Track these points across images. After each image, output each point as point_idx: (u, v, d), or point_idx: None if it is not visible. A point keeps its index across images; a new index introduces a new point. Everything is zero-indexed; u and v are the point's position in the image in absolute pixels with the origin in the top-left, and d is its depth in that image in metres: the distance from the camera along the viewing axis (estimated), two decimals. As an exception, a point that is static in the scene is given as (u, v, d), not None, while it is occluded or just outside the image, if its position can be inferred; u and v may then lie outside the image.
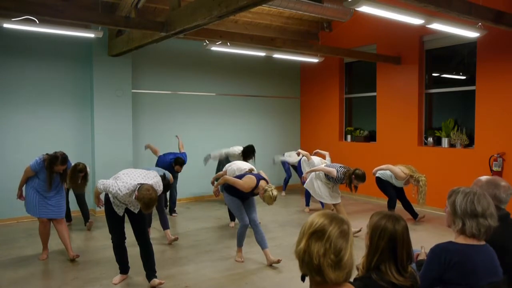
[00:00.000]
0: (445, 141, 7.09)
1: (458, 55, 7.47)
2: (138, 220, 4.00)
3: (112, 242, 4.10)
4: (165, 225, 5.46)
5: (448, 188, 2.27)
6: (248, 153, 7.03)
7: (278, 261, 4.49)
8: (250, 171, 5.12)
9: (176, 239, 5.42)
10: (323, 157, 7.12)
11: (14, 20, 4.82)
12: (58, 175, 4.69)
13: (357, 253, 1.58)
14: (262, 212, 6.40)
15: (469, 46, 6.89)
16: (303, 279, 1.55)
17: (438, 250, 2.07)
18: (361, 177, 5.41)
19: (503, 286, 2.10)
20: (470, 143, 6.82)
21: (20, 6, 4.35)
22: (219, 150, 7.47)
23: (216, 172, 7.41)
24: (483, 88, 6.51)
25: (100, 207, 4.12)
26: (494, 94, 6.35)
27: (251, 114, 9.10)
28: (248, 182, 4.55)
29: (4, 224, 6.36)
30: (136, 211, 3.95)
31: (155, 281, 3.94)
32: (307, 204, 7.29)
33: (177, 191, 7.12)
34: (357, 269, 1.94)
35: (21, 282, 4.12)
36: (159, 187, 3.86)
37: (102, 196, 4.07)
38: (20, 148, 6.52)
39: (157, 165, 6.43)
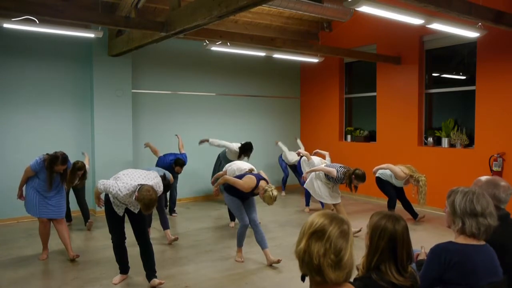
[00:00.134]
0: (445, 141, 7.09)
1: (458, 55, 7.47)
2: (138, 220, 4.00)
3: (112, 242, 4.10)
4: (165, 225, 5.46)
5: (448, 188, 2.27)
6: (245, 150, 7.05)
7: (278, 261, 4.49)
8: (250, 171, 5.12)
9: (176, 239, 5.42)
10: (323, 157, 7.12)
11: (14, 20, 4.82)
12: (58, 175, 4.68)
13: (357, 253, 1.57)
14: (262, 212, 6.40)
15: (469, 46, 6.89)
16: (303, 279, 1.55)
17: (438, 250, 2.07)
18: (361, 177, 5.41)
19: (503, 286, 2.10)
20: (470, 143, 6.82)
21: (20, 6, 4.35)
22: (218, 140, 7.41)
23: (214, 172, 7.43)
24: (483, 88, 6.51)
25: (101, 207, 4.12)
26: (494, 94, 6.35)
27: (251, 114, 9.10)
28: (248, 182, 4.55)
29: (4, 224, 6.36)
30: (136, 211, 3.94)
31: (155, 281, 3.94)
32: (307, 204, 7.29)
33: (177, 191, 7.13)
34: (357, 269, 1.94)
35: (21, 282, 4.12)
36: (160, 187, 3.86)
37: (102, 196, 4.07)
38: (20, 148, 6.52)
39: (157, 165, 6.43)
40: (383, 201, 6.70)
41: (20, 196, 4.75)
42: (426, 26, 5.20)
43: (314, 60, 7.93)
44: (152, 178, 3.85)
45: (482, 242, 2.08)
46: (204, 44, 6.57)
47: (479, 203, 2.06)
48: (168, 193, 6.83)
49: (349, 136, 8.85)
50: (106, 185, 3.77)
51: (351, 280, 1.60)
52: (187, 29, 5.04)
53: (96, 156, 6.97)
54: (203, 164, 7.95)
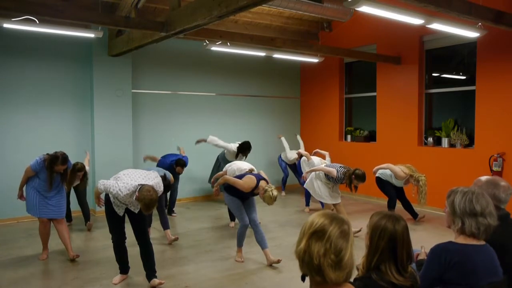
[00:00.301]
0: (445, 141, 7.09)
1: (458, 55, 7.47)
2: (138, 220, 4.00)
3: (113, 242, 4.10)
4: (165, 225, 5.47)
5: (448, 188, 2.27)
6: (243, 149, 7.04)
7: (278, 261, 4.49)
8: (250, 171, 5.12)
9: (176, 239, 5.42)
10: (323, 157, 7.12)
11: (14, 20, 4.82)
12: (58, 175, 4.69)
13: (357, 253, 1.57)
14: (262, 212, 6.39)
15: (469, 46, 6.89)
16: (303, 279, 1.55)
17: (438, 250, 2.07)
18: (361, 177, 5.41)
19: (503, 286, 2.10)
20: (470, 143, 6.82)
21: (20, 6, 4.35)
22: (217, 139, 7.36)
23: (213, 171, 7.43)
24: (483, 88, 6.51)
25: (100, 207, 4.12)
26: (494, 94, 6.35)
27: (251, 114, 9.10)
28: (248, 182, 4.56)
29: (4, 224, 6.36)
30: (136, 211, 3.95)
31: (155, 281, 3.94)
32: (307, 204, 7.29)
33: (177, 191, 7.12)
34: (357, 269, 1.94)
35: (21, 282, 4.12)
36: (160, 187, 3.86)
37: (102, 196, 4.07)
38: (20, 148, 6.52)
39: (158, 166, 6.42)
40: (383, 201, 6.70)
41: (20, 196, 4.75)
42: (426, 26, 5.20)
43: (314, 60, 7.93)
44: (153, 178, 3.85)
45: (482, 242, 2.09)
46: (204, 44, 6.57)
47: (478, 203, 2.06)
48: (168, 193, 6.83)
49: (349, 136, 8.85)
50: (107, 185, 3.77)
51: (351, 280, 1.60)
52: (187, 29, 5.04)
53: (96, 156, 6.97)
54: (203, 164, 7.95)
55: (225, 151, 7.33)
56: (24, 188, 4.71)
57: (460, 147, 6.89)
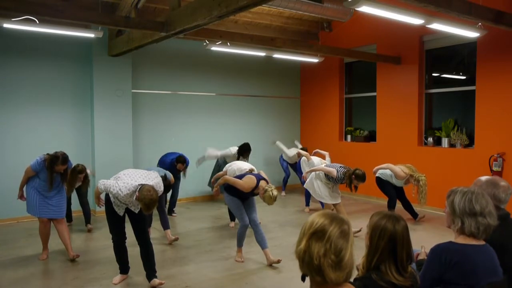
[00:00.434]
0: (445, 141, 7.09)
1: (458, 55, 7.47)
2: (138, 220, 4.00)
3: (113, 242, 4.10)
4: (165, 225, 5.47)
5: (448, 188, 2.27)
6: (243, 152, 7.05)
7: (278, 261, 4.49)
8: (250, 171, 5.12)
9: (176, 239, 5.42)
10: (323, 157, 7.12)
11: (14, 20, 4.82)
12: (58, 175, 4.69)
13: (357, 253, 1.58)
14: (262, 212, 6.39)
15: (469, 46, 6.89)
16: (303, 279, 1.55)
17: (439, 250, 2.07)
18: (361, 177, 5.41)
19: (503, 286, 2.10)
20: (470, 143, 6.82)
21: (20, 6, 4.35)
22: (214, 150, 7.42)
23: (213, 174, 7.42)
24: (483, 88, 6.51)
25: (100, 207, 4.12)
26: (494, 94, 6.35)
27: (251, 114, 9.10)
28: (248, 182, 4.56)
29: (4, 224, 6.36)
30: (136, 211, 3.95)
31: (155, 281, 3.94)
32: (307, 204, 7.29)
33: (179, 191, 7.11)
34: (357, 269, 1.94)
35: (21, 282, 4.12)
36: (160, 187, 3.86)
37: (102, 196, 4.07)
38: (20, 148, 6.52)
39: (159, 165, 6.43)
40: (383, 201, 6.70)
41: (20, 196, 4.75)
42: (426, 26, 5.20)
43: (314, 60, 7.93)
44: (153, 178, 3.86)
45: (482, 242, 2.09)
46: (204, 44, 6.57)
47: (478, 203, 2.06)
48: (169, 193, 6.82)
49: (349, 136, 8.85)
50: (107, 185, 3.77)
51: (351, 280, 1.60)
52: (187, 29, 5.04)
53: (96, 156, 6.97)
54: (203, 164, 7.94)
55: (226, 155, 7.33)
56: (24, 188, 4.71)
57: (460, 147, 6.89)
